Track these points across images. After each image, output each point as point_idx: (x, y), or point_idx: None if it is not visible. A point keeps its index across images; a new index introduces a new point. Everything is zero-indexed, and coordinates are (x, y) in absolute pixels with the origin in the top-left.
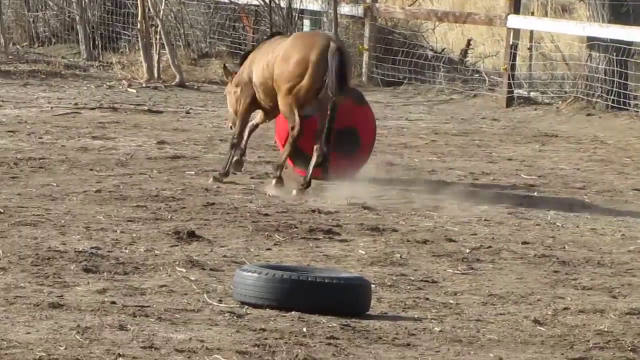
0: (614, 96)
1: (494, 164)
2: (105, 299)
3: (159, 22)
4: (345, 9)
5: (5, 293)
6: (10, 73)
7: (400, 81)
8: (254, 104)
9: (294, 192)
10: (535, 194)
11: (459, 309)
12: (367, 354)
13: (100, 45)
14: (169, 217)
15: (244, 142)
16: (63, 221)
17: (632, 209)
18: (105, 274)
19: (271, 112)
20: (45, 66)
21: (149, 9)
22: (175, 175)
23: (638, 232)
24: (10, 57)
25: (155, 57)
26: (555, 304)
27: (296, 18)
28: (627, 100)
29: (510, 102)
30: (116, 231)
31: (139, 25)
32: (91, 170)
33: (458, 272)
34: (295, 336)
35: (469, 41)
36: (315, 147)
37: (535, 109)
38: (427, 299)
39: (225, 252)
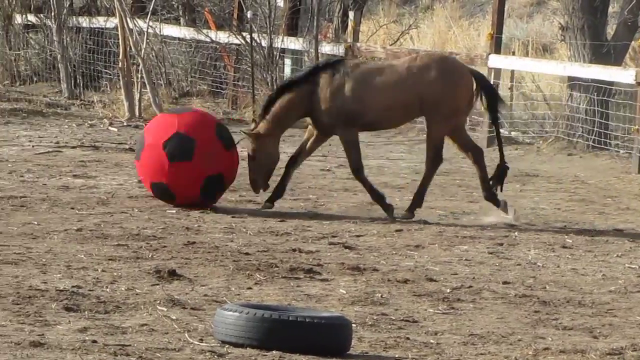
0: (595, 136)
1: (475, 204)
2: (87, 338)
3: (140, 60)
4: (326, 48)
5: None
6: None
7: None
8: None
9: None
10: (516, 233)
11: (440, 348)
12: None
13: (81, 84)
14: (150, 255)
15: None
16: (44, 260)
17: (613, 249)
18: (86, 312)
19: None
20: (27, 105)
21: (130, 48)
22: (156, 214)
23: (619, 273)
24: None
25: (137, 96)
26: (536, 344)
27: (277, 57)
28: (608, 140)
29: (491, 141)
30: (97, 270)
31: (120, 64)
32: (72, 209)
33: (439, 311)
34: None
35: None
36: None
37: (516, 149)
38: (408, 338)
39: (206, 291)
